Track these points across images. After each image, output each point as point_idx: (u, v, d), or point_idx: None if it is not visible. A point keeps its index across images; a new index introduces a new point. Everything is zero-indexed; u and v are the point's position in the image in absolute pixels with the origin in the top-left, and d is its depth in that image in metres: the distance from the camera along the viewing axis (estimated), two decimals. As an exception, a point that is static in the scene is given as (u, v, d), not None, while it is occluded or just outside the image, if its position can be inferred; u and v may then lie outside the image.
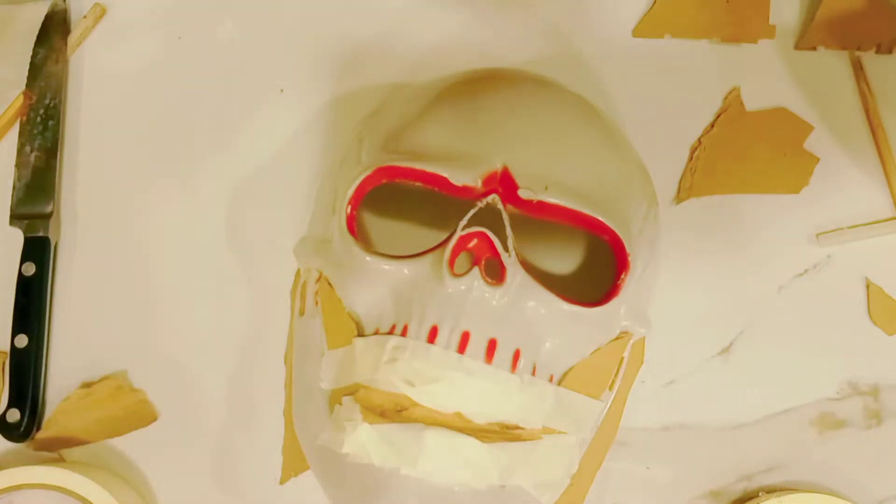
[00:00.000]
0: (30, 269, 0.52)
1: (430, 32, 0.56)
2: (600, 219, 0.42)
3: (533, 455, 0.41)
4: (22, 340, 0.51)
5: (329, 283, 0.44)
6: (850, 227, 0.52)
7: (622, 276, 0.43)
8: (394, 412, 0.41)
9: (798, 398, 0.51)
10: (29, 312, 0.51)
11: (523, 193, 0.42)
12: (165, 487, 0.51)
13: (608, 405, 0.45)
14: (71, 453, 0.51)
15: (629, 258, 0.43)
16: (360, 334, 0.42)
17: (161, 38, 0.57)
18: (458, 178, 0.42)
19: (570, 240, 0.51)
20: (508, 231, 0.42)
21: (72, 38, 0.57)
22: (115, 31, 0.57)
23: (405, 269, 0.42)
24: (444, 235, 0.42)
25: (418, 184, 0.43)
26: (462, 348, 0.40)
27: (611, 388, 0.45)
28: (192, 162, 0.55)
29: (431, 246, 0.42)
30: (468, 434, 0.40)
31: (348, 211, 0.43)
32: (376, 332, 0.42)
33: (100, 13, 0.57)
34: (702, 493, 0.50)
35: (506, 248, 0.41)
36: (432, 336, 0.40)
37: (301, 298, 0.47)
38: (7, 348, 0.51)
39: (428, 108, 0.46)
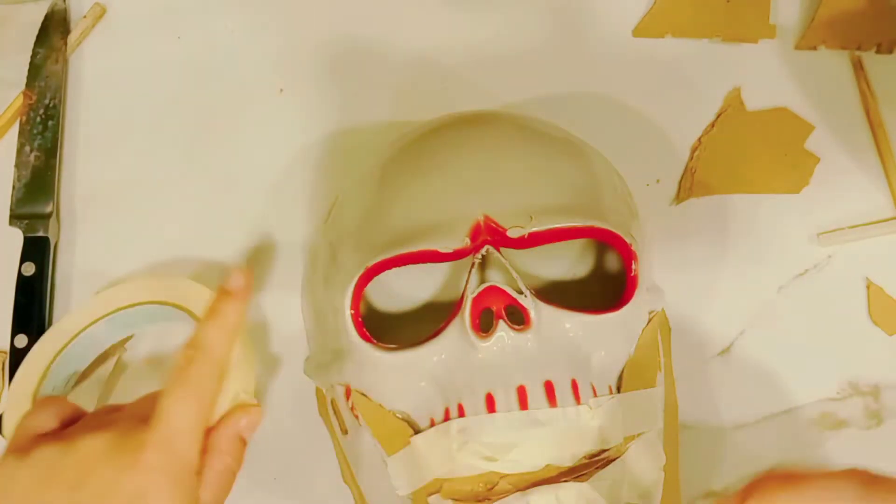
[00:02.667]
0: (29, 268, 0.52)
1: (429, 32, 0.56)
2: (592, 225, 0.42)
3: (627, 469, 0.41)
4: (22, 340, 0.51)
5: (362, 394, 0.43)
6: (850, 227, 0.52)
7: (633, 265, 0.43)
8: (486, 492, 0.40)
9: (798, 398, 0.50)
10: (28, 312, 0.51)
11: (512, 233, 0.42)
12: None
13: (663, 385, 0.45)
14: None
15: (632, 247, 0.43)
16: (416, 431, 0.42)
17: (160, 37, 0.57)
18: (446, 245, 0.42)
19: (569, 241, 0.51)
20: (514, 273, 0.41)
21: (71, 38, 0.57)
22: (114, 31, 0.57)
23: (432, 351, 0.41)
24: (447, 279, 0.41)
25: (409, 264, 0.42)
26: (524, 403, 0.40)
27: (660, 368, 0.45)
28: (190, 162, 0.55)
29: (440, 300, 0.42)
30: (565, 481, 0.40)
31: (354, 319, 0.42)
32: (432, 424, 0.41)
33: (99, 13, 0.57)
34: (702, 492, 0.50)
35: (519, 291, 0.41)
36: (490, 404, 0.40)
37: (337, 417, 0.46)
38: (7, 348, 0.51)
39: (384, 188, 0.45)
